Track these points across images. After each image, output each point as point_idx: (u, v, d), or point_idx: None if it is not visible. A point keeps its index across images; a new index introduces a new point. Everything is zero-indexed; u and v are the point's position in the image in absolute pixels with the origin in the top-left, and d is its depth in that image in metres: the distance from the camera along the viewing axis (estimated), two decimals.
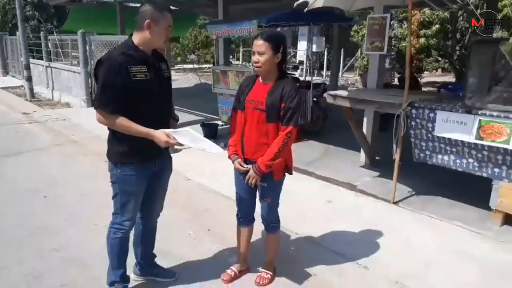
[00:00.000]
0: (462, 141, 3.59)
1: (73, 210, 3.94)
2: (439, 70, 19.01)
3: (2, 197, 4.28)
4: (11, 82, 14.71)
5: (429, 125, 3.81)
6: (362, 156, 5.39)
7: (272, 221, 2.79)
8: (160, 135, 2.25)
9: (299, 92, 2.56)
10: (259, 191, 2.70)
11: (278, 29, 7.77)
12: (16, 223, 3.68)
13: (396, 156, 4.07)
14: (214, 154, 2.42)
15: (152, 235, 2.74)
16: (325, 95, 4.72)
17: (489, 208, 3.69)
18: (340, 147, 6.13)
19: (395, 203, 4.15)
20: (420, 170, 4.60)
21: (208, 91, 8.74)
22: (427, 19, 13.64)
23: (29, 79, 11.44)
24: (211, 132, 6.64)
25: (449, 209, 3.98)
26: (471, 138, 3.48)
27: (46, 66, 12.11)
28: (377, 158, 5.35)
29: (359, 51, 19.85)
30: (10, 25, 18.55)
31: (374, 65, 5.13)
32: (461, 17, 13.77)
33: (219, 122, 7.23)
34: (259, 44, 2.48)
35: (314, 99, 6.54)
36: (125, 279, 2.59)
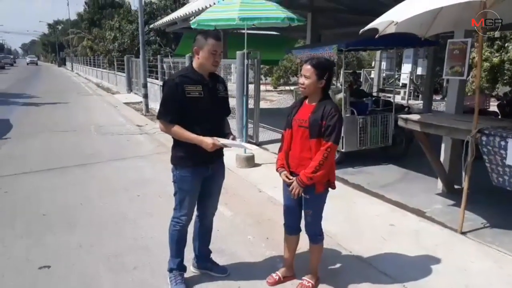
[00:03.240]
0: None
1: (153, 206, 4.59)
2: None
3: (103, 191, 5.15)
4: (133, 98, 16.88)
5: (502, 152, 3.63)
6: (439, 183, 5.21)
7: (314, 233, 3.00)
8: (207, 139, 2.67)
9: (339, 111, 2.78)
10: (303, 202, 2.95)
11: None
12: (108, 213, 4.44)
13: (465, 183, 3.93)
14: (252, 151, 2.82)
15: (207, 232, 3.16)
16: (399, 117, 4.73)
17: None
18: (420, 173, 5.96)
19: (463, 233, 3.98)
20: (498, 199, 4.33)
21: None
22: None
23: (145, 96, 13.10)
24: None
25: None
26: None
27: (160, 86, 13.73)
28: (456, 186, 5.12)
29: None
30: (136, 48, 21.30)
31: (453, 90, 4.98)
32: None
33: None
34: (307, 69, 2.79)
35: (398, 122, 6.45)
36: (182, 267, 3.04)
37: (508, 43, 13.55)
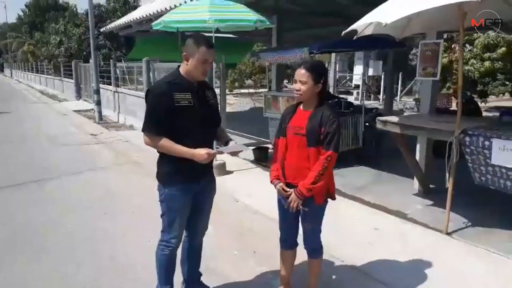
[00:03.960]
0: None
1: (125, 224, 4.22)
2: (506, 94, 17.96)
3: (66, 209, 4.68)
4: (83, 106, 15.98)
5: (486, 152, 3.66)
6: (415, 184, 5.23)
7: (313, 247, 2.81)
8: (200, 151, 2.41)
9: (338, 117, 2.62)
10: (300, 215, 2.76)
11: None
12: (80, 233, 4.01)
13: (449, 185, 3.92)
14: (244, 150, 2.60)
15: (197, 254, 2.88)
16: (377, 119, 4.68)
17: None
18: (393, 174, 5.99)
19: (448, 233, 3.98)
20: (478, 199, 4.40)
21: (261, 115, 9.02)
22: (491, 41, 13.05)
23: (98, 103, 12.40)
24: (262, 155, 6.78)
25: (509, 243, 3.74)
26: None
27: (114, 91, 13.07)
28: (431, 186, 5.17)
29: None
30: (84, 53, 20.31)
31: (426, 91, 5.03)
32: None
33: (270, 146, 7.36)
34: (302, 73, 2.60)
35: (367, 124, 6.48)
36: None
37: (455, 43, 14.22)
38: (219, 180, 5.79)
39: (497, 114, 11.30)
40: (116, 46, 19.57)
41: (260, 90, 21.74)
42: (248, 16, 5.40)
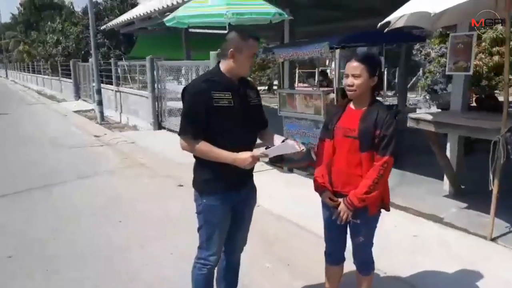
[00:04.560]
0: None
1: (142, 233, 3.91)
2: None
3: (73, 219, 4.36)
4: (82, 106, 15.62)
5: None
6: (445, 184, 4.94)
7: (364, 262, 2.53)
8: (242, 155, 2.14)
9: (395, 119, 2.33)
10: (350, 227, 2.47)
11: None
12: (87, 243, 3.70)
13: (494, 187, 3.64)
14: (299, 150, 2.20)
15: (235, 271, 2.58)
16: (408, 117, 4.38)
17: None
18: (418, 174, 5.69)
19: (493, 239, 3.69)
20: None
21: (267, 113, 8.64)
22: (500, 36, 12.76)
23: (100, 103, 12.06)
24: (277, 156, 6.46)
25: None
26: None
27: (115, 91, 12.72)
28: (461, 186, 4.89)
29: (420, 70, 19.00)
30: (82, 52, 19.91)
31: (458, 86, 4.74)
32: None
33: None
34: (354, 66, 2.30)
35: None
36: None
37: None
38: None
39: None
40: (115, 45, 19.17)
41: (260, 87, 21.43)
42: (266, 9, 5.10)
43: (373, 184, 2.24)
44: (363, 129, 2.27)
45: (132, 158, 7.29)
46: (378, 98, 2.43)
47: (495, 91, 15.04)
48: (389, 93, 17.95)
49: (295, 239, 3.79)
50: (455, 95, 4.78)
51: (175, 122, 9.67)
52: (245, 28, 2.41)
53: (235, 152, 2.15)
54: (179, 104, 9.98)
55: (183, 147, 2.24)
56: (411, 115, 4.41)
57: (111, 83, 13.23)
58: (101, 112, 12.05)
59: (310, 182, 2.59)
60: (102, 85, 12.97)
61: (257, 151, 2.18)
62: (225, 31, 11.75)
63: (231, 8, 4.83)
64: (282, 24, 6.97)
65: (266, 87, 24.59)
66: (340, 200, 2.35)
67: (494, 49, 13.03)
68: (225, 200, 2.27)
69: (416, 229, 3.98)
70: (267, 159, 2.26)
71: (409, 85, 20.32)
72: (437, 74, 14.83)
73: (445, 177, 4.88)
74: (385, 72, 18.36)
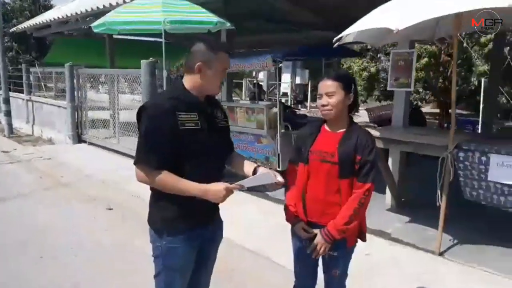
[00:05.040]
0: None
1: (71, 272, 3.36)
2: (420, 101, 19.24)
3: None
4: None
5: (481, 167, 3.49)
6: (387, 198, 5.01)
7: None
8: (215, 187, 1.82)
9: (375, 142, 2.17)
10: (324, 260, 2.25)
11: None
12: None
13: (442, 203, 3.69)
14: (276, 182, 1.94)
15: None
16: None
17: None
18: None
19: (441, 254, 3.75)
20: (463, 215, 4.25)
21: None
22: (418, 52, 13.79)
23: (8, 113, 10.77)
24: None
25: (504, 261, 3.60)
26: None
27: (27, 100, 11.44)
28: (402, 199, 4.99)
29: None
30: None
31: (399, 102, 4.84)
32: (443, 51, 13.94)
33: None
34: (328, 84, 2.11)
35: None
36: None
37: (380, 53, 14.82)
38: None
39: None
40: (25, 49, 17.40)
41: None
42: (207, 17, 4.80)
43: (354, 214, 2.07)
44: (343, 154, 2.08)
45: (50, 177, 6.47)
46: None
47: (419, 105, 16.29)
48: (312, 104, 18.56)
49: (260, 273, 3.49)
50: (397, 111, 4.87)
51: (97, 134, 8.91)
52: (210, 39, 2.06)
53: (204, 183, 1.84)
54: (102, 114, 9.33)
55: (140, 179, 1.86)
56: None
57: (21, 91, 11.88)
58: (10, 124, 10.75)
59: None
60: (10, 93, 11.59)
61: (226, 183, 1.87)
62: (153, 39, 11.24)
63: (169, 16, 4.46)
64: (217, 34, 6.71)
65: None
66: (316, 231, 2.14)
67: (417, 64, 14.13)
68: (190, 241, 1.93)
69: (366, 247, 3.90)
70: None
71: None
72: (359, 87, 15.66)
73: (387, 190, 4.95)
74: (309, 85, 19.00)
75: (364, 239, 2.25)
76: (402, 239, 4.12)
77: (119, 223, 4.54)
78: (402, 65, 4.66)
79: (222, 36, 6.96)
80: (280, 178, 1.96)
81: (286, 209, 2.27)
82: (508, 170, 3.30)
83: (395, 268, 3.55)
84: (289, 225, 2.29)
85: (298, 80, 21.41)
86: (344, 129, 2.15)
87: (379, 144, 4.12)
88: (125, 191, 5.65)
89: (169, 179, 1.81)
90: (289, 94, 20.15)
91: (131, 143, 7.57)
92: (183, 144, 1.83)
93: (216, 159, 2.01)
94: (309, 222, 2.19)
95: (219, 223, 2.14)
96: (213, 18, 4.81)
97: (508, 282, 3.32)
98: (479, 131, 8.37)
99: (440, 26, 4.25)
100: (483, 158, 3.45)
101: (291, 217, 2.23)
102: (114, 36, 9.51)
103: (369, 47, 15.50)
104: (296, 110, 6.90)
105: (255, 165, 2.09)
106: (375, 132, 4.23)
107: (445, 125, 12.47)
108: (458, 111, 16.75)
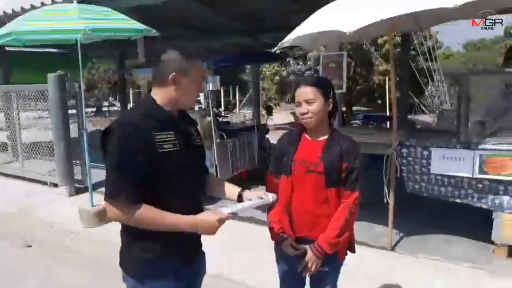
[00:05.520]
0: None
1: None
2: None
3: None
4: None
5: (424, 162, 3.67)
6: None
7: None
8: (207, 218, 1.59)
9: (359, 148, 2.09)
10: (313, 277, 2.11)
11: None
12: None
13: (390, 200, 3.80)
14: (272, 202, 1.84)
15: None
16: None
17: (488, 241, 3.62)
18: None
19: (392, 249, 3.86)
20: (405, 209, 4.43)
21: None
22: None
23: None
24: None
25: (448, 248, 3.82)
26: (473, 174, 3.39)
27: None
28: None
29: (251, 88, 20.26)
30: None
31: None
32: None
33: None
34: (307, 91, 1.99)
35: (258, 141, 6.13)
36: None
37: (288, 57, 15.35)
38: (104, 231, 4.65)
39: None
40: None
41: (87, 109, 19.39)
42: (132, 25, 4.38)
43: (345, 225, 1.96)
44: (328, 163, 1.96)
45: None
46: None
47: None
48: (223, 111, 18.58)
49: None
50: None
51: None
52: (183, 47, 1.80)
53: (189, 214, 1.58)
54: None
55: (113, 217, 1.54)
56: None
57: None
58: None
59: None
60: None
61: (220, 212, 1.63)
62: (55, 50, 10.14)
63: (89, 24, 3.96)
64: (130, 42, 6.26)
65: (95, 109, 22.56)
66: (305, 247, 1.99)
67: (318, 67, 14.83)
68: (177, 282, 1.65)
69: None
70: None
71: (243, 103, 21.54)
72: (272, 91, 16.07)
73: None
74: (222, 91, 18.98)
75: (353, 250, 2.15)
76: (355, 238, 4.16)
77: (41, 264, 3.92)
78: (333, 67, 4.75)
79: (139, 44, 6.52)
80: (273, 197, 1.79)
81: (271, 227, 2.08)
82: (449, 162, 3.50)
83: (351, 267, 3.55)
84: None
85: (210, 87, 21.24)
86: (326, 137, 2.04)
87: None
88: (40, 221, 4.97)
89: (151, 214, 1.53)
90: (202, 101, 19.89)
91: (38, 167, 6.73)
92: (161, 169, 1.56)
93: (197, 184, 1.76)
94: (297, 238, 2.04)
95: (202, 255, 1.88)
96: (139, 25, 4.41)
97: (454, 267, 3.53)
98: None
99: (369, 27, 4.40)
100: (425, 153, 3.63)
101: (277, 235, 2.06)
102: (7, 48, 8.39)
103: (278, 51, 16.04)
104: (220, 118, 6.71)
105: (238, 188, 1.87)
106: None
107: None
108: (360, 108, 18.08)
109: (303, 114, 1.99)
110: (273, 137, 7.88)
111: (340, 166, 1.96)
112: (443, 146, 3.54)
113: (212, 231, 1.59)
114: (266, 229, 2.13)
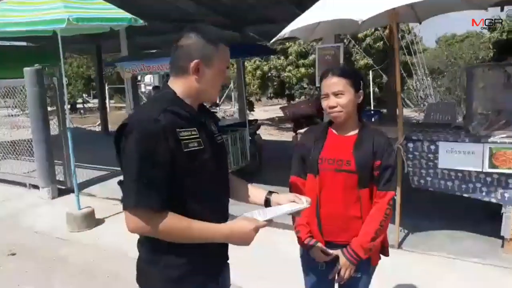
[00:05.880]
0: None
1: None
2: (305, 96, 20.27)
3: None
4: None
5: (430, 156, 3.56)
6: None
7: None
8: (242, 227, 1.40)
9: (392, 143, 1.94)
10: (344, 284, 1.95)
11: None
12: None
13: (396, 196, 3.68)
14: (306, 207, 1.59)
15: None
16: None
17: (497, 236, 3.57)
18: (285, 187, 5.58)
19: (399, 247, 3.76)
20: (408, 205, 4.35)
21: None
22: (303, 49, 14.41)
23: None
24: None
25: (456, 244, 3.74)
26: (483, 168, 3.31)
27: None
28: None
29: (232, 83, 19.95)
30: None
31: None
32: None
33: None
34: (335, 82, 1.81)
35: (250, 137, 5.94)
36: None
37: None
38: (93, 235, 4.37)
39: None
40: None
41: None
42: (118, 14, 4.09)
43: (380, 228, 1.80)
44: (361, 161, 1.79)
45: None
46: None
47: (294, 99, 16.95)
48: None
49: None
50: None
51: None
52: (206, 29, 1.56)
53: (213, 222, 1.39)
54: None
55: (135, 229, 1.32)
56: (302, 131, 4.20)
57: None
58: None
59: None
60: None
61: (256, 220, 1.44)
62: (24, 43, 9.60)
63: (73, 13, 3.65)
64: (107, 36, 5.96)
65: (69, 106, 21.78)
66: (336, 252, 1.83)
67: (300, 61, 14.71)
68: None
69: None
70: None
71: (223, 97, 21.24)
72: (254, 86, 15.85)
73: None
74: None
75: (387, 254, 2.00)
76: None
77: (39, 273, 3.63)
78: (329, 60, 4.61)
79: (122, 37, 6.22)
80: (307, 200, 1.61)
81: (298, 231, 1.91)
82: (457, 156, 3.41)
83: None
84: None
85: None
86: (356, 131, 1.87)
87: None
88: (23, 227, 4.65)
89: (179, 224, 1.33)
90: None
91: (14, 167, 6.35)
92: (187, 171, 1.35)
93: (223, 187, 1.56)
94: (326, 242, 1.88)
95: (228, 266, 1.68)
96: (125, 14, 4.12)
97: (462, 263, 3.46)
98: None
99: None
100: (432, 147, 3.53)
101: (305, 240, 1.88)
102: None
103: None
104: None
105: (263, 191, 1.68)
106: None
107: None
108: None
109: (332, 107, 1.82)
110: (262, 133, 7.72)
111: (373, 163, 1.81)
112: (451, 140, 3.44)
113: (247, 241, 1.40)
114: (289, 233, 1.96)
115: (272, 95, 16.27)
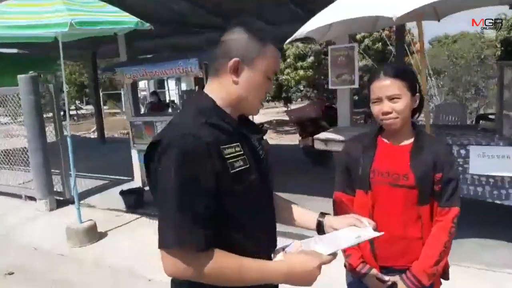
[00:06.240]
0: None
1: None
2: (302, 99, 20.05)
3: None
4: None
5: (460, 161, 3.34)
6: None
7: None
8: (304, 265, 1.15)
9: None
10: None
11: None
12: None
13: None
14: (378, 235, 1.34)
15: None
16: (315, 138, 3.92)
17: None
18: (303, 195, 5.33)
19: None
20: None
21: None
22: (301, 52, 14.20)
23: None
24: (137, 200, 5.17)
25: (487, 254, 3.52)
26: None
27: None
28: None
29: None
30: None
31: (344, 101, 4.56)
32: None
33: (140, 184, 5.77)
34: (389, 85, 1.57)
35: None
36: None
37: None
38: (95, 252, 4.11)
39: None
40: None
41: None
42: (124, 17, 3.83)
43: (444, 249, 1.58)
44: (421, 174, 1.56)
45: None
46: None
47: (291, 102, 16.72)
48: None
49: None
50: (342, 110, 4.59)
51: None
52: (249, 24, 1.30)
53: (262, 256, 1.16)
54: None
55: (175, 272, 1.07)
56: (319, 136, 3.96)
57: None
58: None
59: None
60: None
61: (320, 254, 1.19)
62: (14, 51, 9.30)
63: (76, 16, 3.39)
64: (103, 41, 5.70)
65: (62, 113, 21.46)
66: (394, 279, 1.59)
67: (298, 63, 14.49)
68: None
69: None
70: None
71: None
72: None
73: None
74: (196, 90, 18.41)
75: (447, 277, 1.76)
76: None
77: None
78: (343, 61, 4.40)
79: (120, 41, 5.95)
80: (370, 223, 1.36)
81: (348, 256, 1.67)
82: (489, 161, 3.20)
83: None
84: None
85: (184, 87, 20.76)
86: (411, 140, 1.64)
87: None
88: (21, 243, 4.38)
89: (229, 264, 1.09)
90: (176, 101, 19.27)
91: (8, 178, 6.06)
92: (232, 196, 1.12)
93: (270, 211, 1.32)
94: (381, 268, 1.64)
95: None
96: (131, 17, 3.87)
97: (495, 274, 3.24)
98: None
99: (381, 17, 4.08)
100: (462, 151, 3.31)
101: (357, 266, 1.64)
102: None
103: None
104: None
105: (314, 213, 1.43)
106: (336, 136, 3.84)
107: None
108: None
109: (386, 113, 1.58)
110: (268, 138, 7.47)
111: (434, 177, 1.57)
112: (483, 144, 3.23)
113: (310, 281, 1.16)
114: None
115: (269, 98, 16.03)
